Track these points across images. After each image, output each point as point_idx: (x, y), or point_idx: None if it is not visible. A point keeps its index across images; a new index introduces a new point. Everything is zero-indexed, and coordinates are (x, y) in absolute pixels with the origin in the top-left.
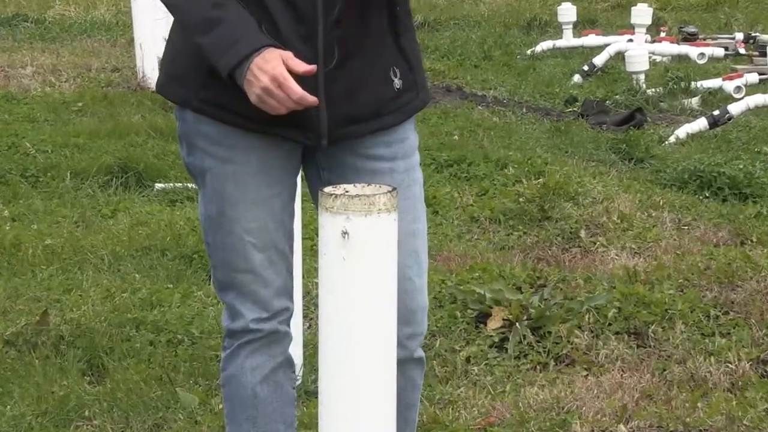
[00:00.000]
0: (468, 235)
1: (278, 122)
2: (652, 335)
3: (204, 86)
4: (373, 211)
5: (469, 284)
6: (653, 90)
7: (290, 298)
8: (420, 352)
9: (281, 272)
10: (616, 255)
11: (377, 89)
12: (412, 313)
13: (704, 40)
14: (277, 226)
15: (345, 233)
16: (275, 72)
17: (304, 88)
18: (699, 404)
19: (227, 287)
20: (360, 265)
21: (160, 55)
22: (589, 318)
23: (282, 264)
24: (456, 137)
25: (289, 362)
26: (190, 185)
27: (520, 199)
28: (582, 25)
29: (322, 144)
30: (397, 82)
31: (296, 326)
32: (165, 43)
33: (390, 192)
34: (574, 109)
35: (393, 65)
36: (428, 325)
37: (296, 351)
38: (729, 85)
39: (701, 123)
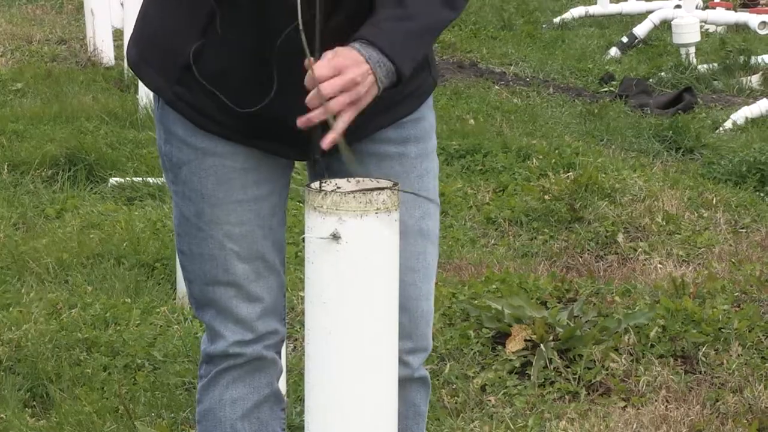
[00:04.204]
0: (483, 240)
1: (262, 135)
2: (703, 359)
3: (179, 81)
4: (370, 211)
5: (485, 298)
6: (705, 66)
7: (281, 319)
8: (423, 371)
9: (270, 288)
10: (661, 263)
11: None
12: (414, 323)
13: (766, 6)
14: (266, 233)
15: (336, 237)
16: None
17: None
18: None
19: (205, 304)
20: (355, 275)
21: (116, 25)
22: (627, 339)
23: (271, 278)
24: (470, 122)
25: (276, 397)
26: (151, 180)
27: (546, 197)
28: None
29: (314, 158)
30: None
31: None
32: (126, 10)
33: (391, 188)
34: (611, 88)
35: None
36: (436, 347)
37: None
38: None
39: (762, 106)
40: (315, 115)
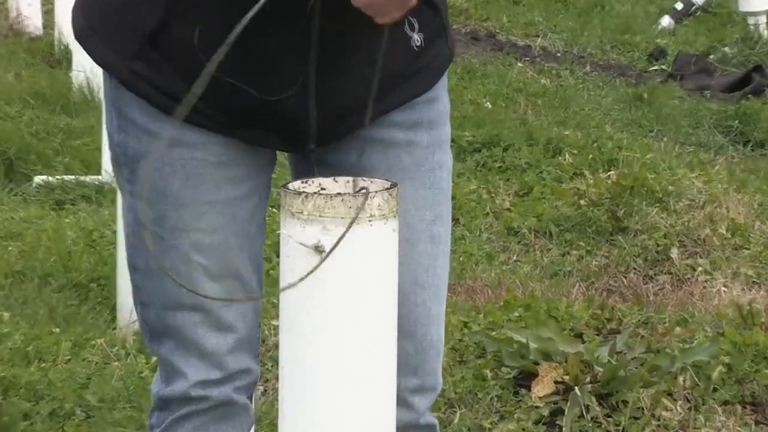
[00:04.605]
0: (503, 255)
1: (243, 122)
2: None
3: (139, 56)
4: (362, 219)
5: (505, 329)
6: None
7: (254, 355)
8: (430, 418)
9: (245, 314)
10: (725, 286)
11: (388, 56)
12: (422, 354)
13: None
14: (242, 243)
15: (320, 250)
16: None
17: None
18: None
19: (162, 333)
20: (343, 297)
21: None
22: (684, 381)
23: (247, 303)
24: (486, 106)
25: None
26: (87, 178)
27: (582, 202)
28: None
29: (308, 148)
30: (416, 37)
31: None
32: None
33: (389, 189)
34: (663, 67)
35: (408, 14)
36: (444, 390)
37: None
38: None
39: None
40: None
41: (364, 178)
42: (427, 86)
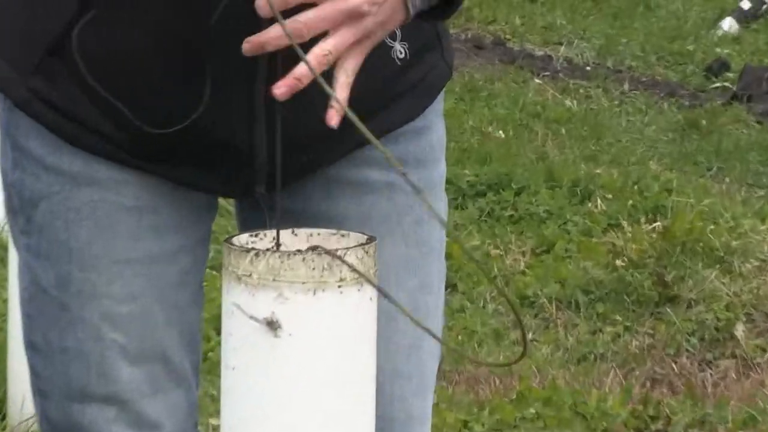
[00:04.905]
0: (515, 333)
1: (170, 155)
2: None
3: (38, 68)
4: (329, 283)
5: (518, 430)
6: None
7: None
8: None
9: (174, 408)
10: None
11: (365, 70)
12: None
13: None
14: (170, 316)
15: (274, 326)
16: None
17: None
18: None
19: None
20: (303, 387)
21: None
22: None
23: (176, 392)
24: (495, 137)
25: None
26: None
27: (619, 262)
28: None
29: (256, 192)
30: (399, 48)
31: None
32: None
33: (365, 245)
34: (725, 83)
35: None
36: None
37: None
38: None
39: None
40: (270, 39)
41: (333, 231)
42: (415, 112)
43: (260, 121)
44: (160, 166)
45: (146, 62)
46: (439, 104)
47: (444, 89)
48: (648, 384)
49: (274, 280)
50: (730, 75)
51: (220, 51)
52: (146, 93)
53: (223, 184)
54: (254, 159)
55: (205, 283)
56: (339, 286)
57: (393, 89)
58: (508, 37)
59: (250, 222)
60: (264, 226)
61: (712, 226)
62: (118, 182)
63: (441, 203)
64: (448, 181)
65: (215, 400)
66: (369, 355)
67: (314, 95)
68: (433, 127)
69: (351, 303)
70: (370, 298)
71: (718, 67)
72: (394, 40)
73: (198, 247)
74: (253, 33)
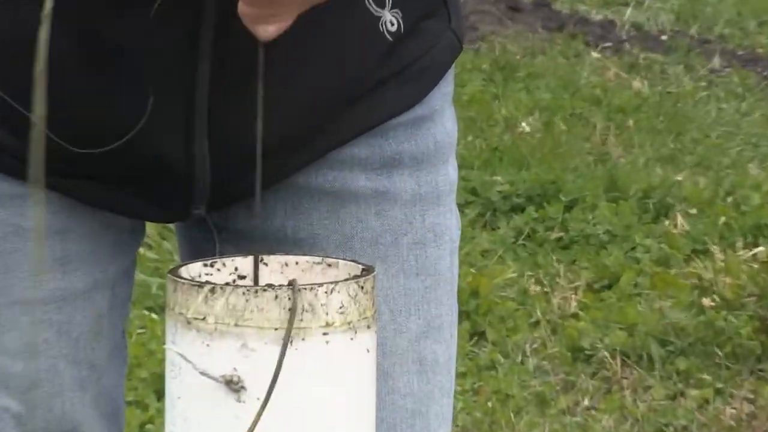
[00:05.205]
0: (566, 398)
1: (84, 169)
2: None
3: None
4: (309, 330)
5: None
6: None
7: None
8: None
9: None
10: None
11: (344, 48)
12: None
13: None
14: (84, 377)
15: (235, 386)
16: None
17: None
18: None
19: None
20: None
21: None
22: None
23: None
24: (525, 130)
25: None
26: None
27: (707, 302)
28: None
29: (194, 214)
30: (389, 17)
31: None
32: None
33: (359, 278)
34: None
35: None
36: None
37: None
38: None
39: None
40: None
41: (317, 258)
42: (412, 99)
43: (201, 131)
44: (70, 181)
45: (58, 59)
46: (446, 87)
47: (453, 67)
48: None
49: (236, 325)
50: None
51: (154, 53)
52: (59, 99)
53: (151, 206)
54: (192, 177)
55: (142, 331)
56: (324, 334)
57: (383, 70)
58: None
59: (198, 241)
60: (212, 249)
61: None
62: (11, 198)
63: (450, 217)
64: (473, 192)
65: None
66: (364, 427)
67: (266, 92)
68: (439, 118)
69: (340, 357)
70: (367, 350)
71: None
72: (383, 8)
73: (119, 282)
74: (196, 34)
